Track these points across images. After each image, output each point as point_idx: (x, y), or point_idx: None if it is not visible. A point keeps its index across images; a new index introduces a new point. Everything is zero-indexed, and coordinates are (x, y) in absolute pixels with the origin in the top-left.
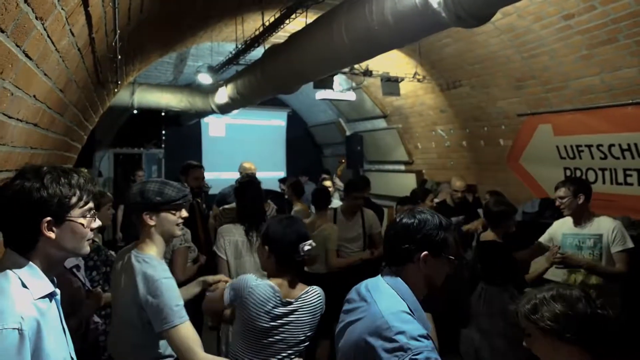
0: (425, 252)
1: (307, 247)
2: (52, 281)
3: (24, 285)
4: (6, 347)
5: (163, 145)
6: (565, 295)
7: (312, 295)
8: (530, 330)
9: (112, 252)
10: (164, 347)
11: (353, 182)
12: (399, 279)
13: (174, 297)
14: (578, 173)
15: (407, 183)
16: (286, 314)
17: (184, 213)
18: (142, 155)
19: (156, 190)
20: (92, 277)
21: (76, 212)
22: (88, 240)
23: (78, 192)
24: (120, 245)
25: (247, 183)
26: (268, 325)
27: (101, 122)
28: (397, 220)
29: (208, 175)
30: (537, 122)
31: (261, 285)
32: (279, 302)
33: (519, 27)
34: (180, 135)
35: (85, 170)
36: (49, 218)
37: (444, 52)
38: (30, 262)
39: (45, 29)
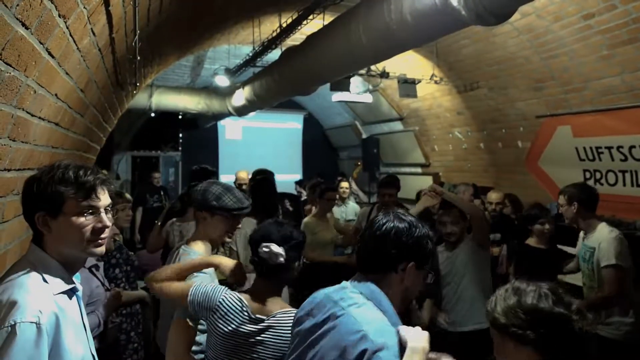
0: (413, 262)
1: (263, 249)
2: (73, 278)
3: (45, 280)
4: (24, 340)
5: (180, 148)
6: (520, 288)
7: (290, 316)
8: (492, 332)
9: (132, 253)
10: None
11: (382, 179)
12: (377, 288)
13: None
14: (598, 175)
15: (423, 186)
16: (256, 333)
17: (237, 224)
18: (160, 158)
19: (217, 194)
20: (115, 275)
21: (71, 208)
22: (100, 240)
23: (71, 188)
24: (138, 247)
25: (262, 179)
26: (236, 343)
27: (119, 124)
28: (382, 221)
29: (225, 178)
30: (556, 124)
31: (230, 298)
32: (246, 318)
33: (538, 28)
34: (197, 138)
35: (103, 170)
36: (41, 212)
37: (462, 53)
38: (52, 258)
39: (67, 27)
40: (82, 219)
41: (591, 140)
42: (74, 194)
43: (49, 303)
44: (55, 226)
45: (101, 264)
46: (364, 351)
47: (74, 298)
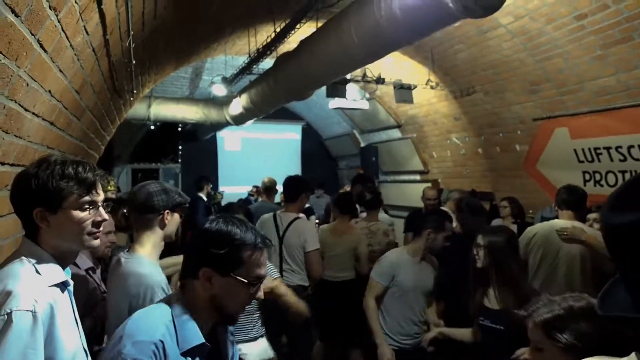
0: (208, 268)
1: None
2: (65, 272)
3: (38, 272)
4: (20, 329)
5: (180, 160)
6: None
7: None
8: (545, 345)
9: None
10: None
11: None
12: (176, 297)
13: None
14: (597, 177)
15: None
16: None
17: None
18: (160, 170)
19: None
20: None
21: (71, 203)
22: (98, 232)
23: (73, 183)
24: None
25: None
26: None
27: (119, 137)
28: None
29: (224, 189)
30: (554, 126)
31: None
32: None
33: (532, 30)
34: (196, 149)
35: (99, 169)
36: (40, 208)
37: (457, 58)
38: (44, 251)
39: (59, 21)
40: (83, 214)
41: (589, 142)
42: (76, 189)
43: (44, 293)
44: (55, 221)
45: (98, 269)
46: None
47: (66, 292)
